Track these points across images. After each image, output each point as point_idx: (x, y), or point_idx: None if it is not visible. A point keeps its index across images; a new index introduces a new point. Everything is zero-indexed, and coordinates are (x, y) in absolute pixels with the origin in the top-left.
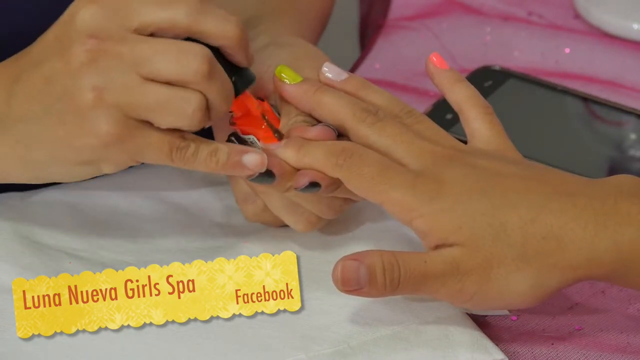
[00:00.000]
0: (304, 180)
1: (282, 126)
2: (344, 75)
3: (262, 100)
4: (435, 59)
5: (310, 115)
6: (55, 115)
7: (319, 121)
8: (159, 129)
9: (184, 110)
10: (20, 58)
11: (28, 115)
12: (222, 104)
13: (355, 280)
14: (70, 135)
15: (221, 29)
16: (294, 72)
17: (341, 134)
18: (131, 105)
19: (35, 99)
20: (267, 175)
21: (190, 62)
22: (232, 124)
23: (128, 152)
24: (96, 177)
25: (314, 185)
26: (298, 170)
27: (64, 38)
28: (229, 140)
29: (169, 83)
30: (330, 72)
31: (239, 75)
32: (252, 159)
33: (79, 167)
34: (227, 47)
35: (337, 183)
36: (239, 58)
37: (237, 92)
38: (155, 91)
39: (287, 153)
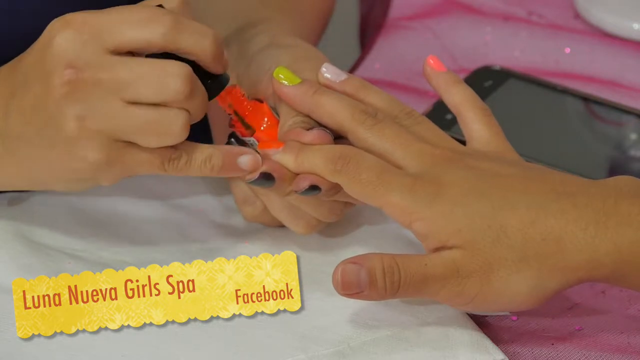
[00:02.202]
0: (305, 184)
1: (281, 127)
2: (342, 76)
3: (261, 101)
4: (432, 62)
5: (308, 116)
6: (45, 140)
7: (317, 122)
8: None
9: (170, 129)
10: (14, 69)
11: (24, 136)
12: (200, 114)
13: (356, 283)
14: (61, 159)
15: (197, 45)
16: (292, 73)
17: (340, 136)
18: (116, 130)
19: (27, 121)
20: (267, 178)
21: (171, 83)
22: (232, 126)
23: (120, 171)
24: None
25: (314, 188)
26: (297, 174)
27: (45, 63)
28: (228, 141)
29: (152, 104)
30: (329, 72)
31: (212, 79)
32: (247, 160)
33: (78, 182)
34: (202, 61)
35: (337, 187)
36: (214, 69)
37: (211, 96)
38: (139, 114)
39: (286, 159)
